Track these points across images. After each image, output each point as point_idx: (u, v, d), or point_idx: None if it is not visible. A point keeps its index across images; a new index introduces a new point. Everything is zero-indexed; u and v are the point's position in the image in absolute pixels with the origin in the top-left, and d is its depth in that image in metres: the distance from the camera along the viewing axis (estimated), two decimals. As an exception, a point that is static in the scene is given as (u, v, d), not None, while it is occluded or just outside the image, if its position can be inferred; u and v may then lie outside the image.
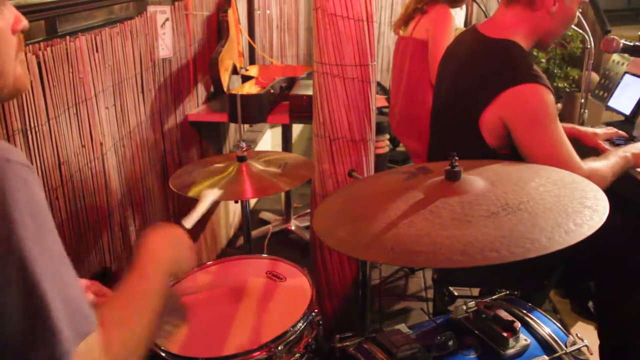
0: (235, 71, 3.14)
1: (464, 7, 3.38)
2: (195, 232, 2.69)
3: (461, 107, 1.71)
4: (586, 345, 1.25)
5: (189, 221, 1.28)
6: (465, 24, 3.57)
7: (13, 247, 0.69)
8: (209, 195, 1.39)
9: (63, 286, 0.73)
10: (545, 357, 1.23)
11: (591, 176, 1.59)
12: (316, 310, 1.40)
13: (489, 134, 1.64)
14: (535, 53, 3.85)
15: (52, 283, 0.71)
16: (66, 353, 0.71)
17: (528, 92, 1.58)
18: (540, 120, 1.59)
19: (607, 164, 1.69)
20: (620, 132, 2.06)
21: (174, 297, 1.46)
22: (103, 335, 0.79)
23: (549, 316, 1.37)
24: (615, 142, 2.01)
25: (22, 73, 0.84)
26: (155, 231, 1.09)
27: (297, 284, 1.50)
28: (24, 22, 0.84)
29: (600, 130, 2.05)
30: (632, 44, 2.11)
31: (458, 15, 3.33)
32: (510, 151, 1.65)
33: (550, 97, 1.59)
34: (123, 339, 0.83)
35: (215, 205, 2.98)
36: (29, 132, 1.54)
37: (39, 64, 1.55)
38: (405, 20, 2.79)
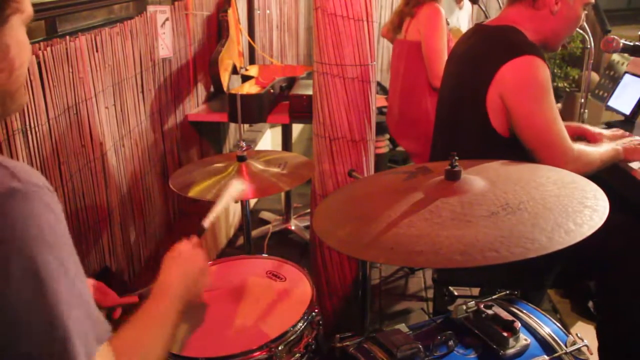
0: (235, 71, 3.14)
1: (467, 7, 3.37)
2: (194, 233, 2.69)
3: (467, 94, 1.72)
4: (586, 345, 1.25)
5: (208, 220, 1.31)
6: (469, 25, 3.56)
7: (38, 269, 0.70)
8: (230, 191, 1.40)
9: (79, 305, 0.75)
10: (545, 357, 1.23)
11: (580, 158, 1.62)
12: (316, 310, 1.40)
13: (494, 116, 1.65)
14: (540, 48, 3.84)
15: (68, 303, 0.73)
16: None
17: (523, 63, 1.59)
18: (532, 91, 1.60)
19: (597, 150, 1.70)
20: (627, 133, 2.06)
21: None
22: (118, 354, 0.80)
23: (549, 316, 1.37)
24: None
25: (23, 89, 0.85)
26: (175, 256, 1.14)
27: (297, 284, 1.50)
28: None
29: (607, 131, 2.05)
30: (632, 44, 2.11)
31: (461, 16, 3.32)
32: (511, 134, 1.66)
33: (545, 71, 1.60)
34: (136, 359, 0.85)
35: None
36: (29, 132, 1.54)
37: (39, 64, 1.55)
38: (395, 24, 2.80)
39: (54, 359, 0.71)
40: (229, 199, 1.39)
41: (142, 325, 0.93)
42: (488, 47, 1.70)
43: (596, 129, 2.05)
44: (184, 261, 1.14)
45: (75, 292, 0.75)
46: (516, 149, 1.64)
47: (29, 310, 0.69)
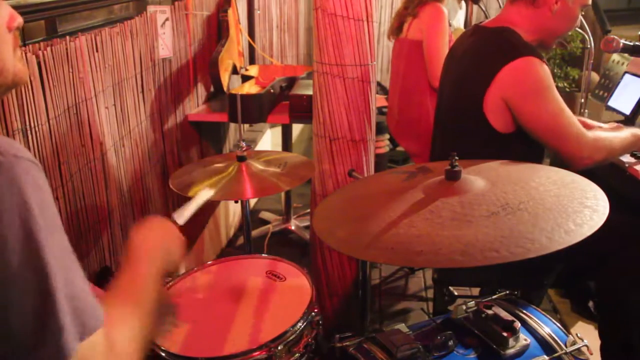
0: (235, 71, 3.14)
1: (463, 6, 3.38)
2: (195, 234, 2.69)
3: (465, 95, 1.73)
4: (586, 345, 1.25)
5: (181, 217, 1.28)
6: (465, 25, 3.57)
7: (30, 239, 0.69)
8: (203, 194, 1.39)
9: (70, 282, 0.74)
10: (545, 357, 1.23)
11: (597, 143, 1.63)
12: (316, 310, 1.40)
13: (494, 117, 1.66)
14: (536, 48, 3.85)
15: (60, 279, 0.72)
16: (70, 350, 0.72)
17: (523, 65, 1.61)
18: (538, 92, 1.62)
19: (617, 135, 1.71)
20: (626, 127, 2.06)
21: (166, 297, 1.46)
22: (105, 334, 0.79)
23: (549, 316, 1.37)
24: None
25: (21, 68, 0.84)
26: (145, 226, 1.10)
27: (297, 284, 1.50)
28: (19, 19, 0.84)
29: (606, 126, 2.05)
30: (632, 44, 2.11)
31: (457, 15, 3.33)
32: (516, 131, 1.66)
33: (544, 68, 1.62)
34: (125, 336, 0.83)
35: (215, 205, 2.98)
36: (29, 132, 1.54)
37: (39, 64, 1.55)
38: (397, 25, 2.80)
39: (43, 336, 0.70)
40: (200, 201, 1.36)
41: (122, 294, 0.91)
42: (486, 49, 1.71)
43: (595, 123, 2.05)
44: (156, 229, 1.10)
45: (67, 270, 0.74)
46: (515, 145, 1.65)
47: (24, 284, 0.68)
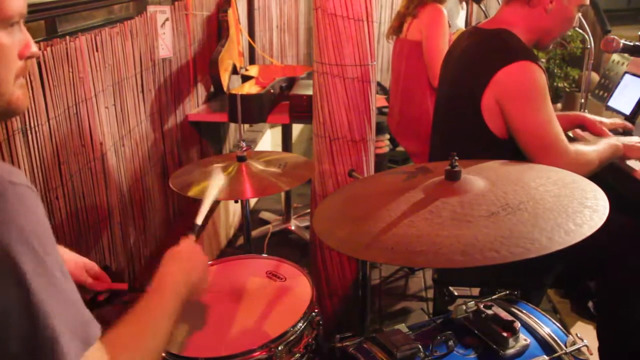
0: (235, 71, 3.14)
1: (464, 6, 3.38)
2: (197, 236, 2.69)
3: (463, 97, 1.73)
4: (586, 345, 1.25)
5: (200, 217, 1.30)
6: (466, 25, 3.57)
7: (14, 273, 0.69)
8: (214, 184, 1.41)
9: (65, 304, 0.74)
10: (545, 357, 1.23)
11: (577, 158, 1.62)
12: (316, 310, 1.40)
13: (490, 120, 1.66)
14: (535, 53, 3.85)
15: (54, 303, 0.72)
16: None
17: (519, 69, 1.61)
18: (529, 96, 1.61)
19: (595, 149, 1.70)
20: (627, 123, 2.06)
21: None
22: (113, 355, 0.79)
23: (548, 316, 1.37)
24: (620, 134, 2.01)
25: (20, 95, 0.83)
26: (174, 253, 1.12)
27: (297, 284, 1.50)
28: (33, 49, 0.83)
29: (608, 120, 2.05)
30: (632, 44, 2.11)
31: (459, 16, 3.33)
32: (510, 137, 1.66)
33: (541, 75, 1.61)
34: (131, 358, 0.84)
35: (215, 205, 2.98)
36: (29, 132, 1.54)
37: (39, 64, 1.56)
38: (397, 25, 2.80)
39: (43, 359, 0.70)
40: (215, 191, 1.39)
41: (138, 321, 0.92)
42: (484, 51, 1.71)
43: (596, 118, 2.05)
44: (184, 258, 1.13)
45: (61, 291, 0.74)
46: (513, 150, 1.65)
47: (14, 311, 0.68)
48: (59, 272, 0.75)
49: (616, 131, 2.02)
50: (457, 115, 1.78)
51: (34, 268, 0.70)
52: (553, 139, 1.61)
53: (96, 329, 0.78)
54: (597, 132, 1.99)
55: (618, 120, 2.07)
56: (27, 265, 0.69)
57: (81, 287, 1.23)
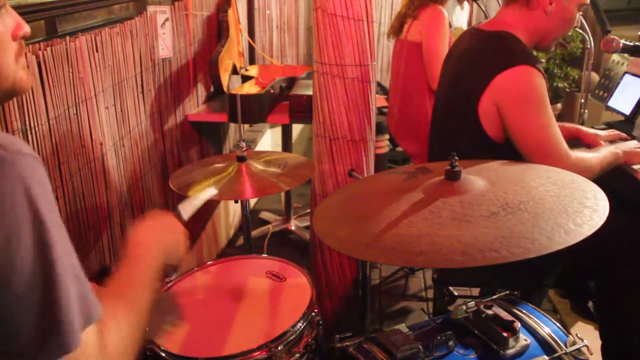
0: (235, 71, 3.14)
1: (466, 7, 3.37)
2: (195, 232, 2.69)
3: (461, 100, 1.73)
4: (586, 345, 1.25)
5: (186, 212, 1.29)
6: (468, 25, 3.56)
7: (41, 236, 0.70)
8: (207, 192, 1.40)
9: (74, 275, 0.74)
10: (545, 357, 1.23)
11: (578, 165, 1.61)
12: (316, 310, 1.40)
13: (488, 123, 1.65)
14: (535, 53, 3.85)
15: (66, 270, 0.72)
16: (75, 342, 0.72)
17: (519, 73, 1.60)
18: (529, 101, 1.61)
19: (596, 156, 1.70)
20: (622, 134, 2.05)
21: (169, 297, 1.46)
22: (99, 329, 0.79)
23: (549, 316, 1.37)
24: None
25: (24, 76, 0.84)
26: (146, 221, 1.09)
27: (297, 284, 1.50)
28: (26, 29, 0.84)
29: (603, 132, 2.04)
30: (632, 44, 2.11)
31: (461, 16, 3.33)
32: (507, 141, 1.66)
33: (541, 81, 1.61)
34: (118, 335, 0.83)
35: (215, 205, 2.98)
36: (29, 132, 1.54)
37: (39, 64, 1.55)
38: (398, 25, 2.80)
39: (51, 328, 0.70)
40: (202, 198, 1.37)
41: (117, 293, 0.90)
42: (483, 54, 1.70)
43: (591, 130, 2.05)
44: (154, 224, 1.10)
45: (69, 263, 0.74)
46: (510, 154, 1.64)
47: (26, 277, 0.69)
48: (65, 242, 0.75)
49: (612, 143, 2.02)
50: (454, 117, 1.78)
51: (53, 232, 0.71)
52: (553, 143, 1.60)
53: (99, 307, 0.78)
54: (594, 145, 1.99)
55: (614, 133, 2.07)
56: (50, 230, 0.70)
57: None
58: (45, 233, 0.70)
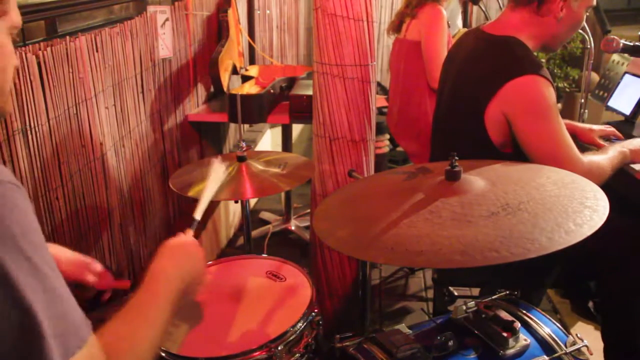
0: (235, 71, 3.14)
1: (458, 8, 3.37)
2: (195, 232, 2.69)
3: (465, 105, 1.71)
4: (586, 345, 1.24)
5: (199, 211, 1.29)
6: (465, 25, 3.56)
7: (6, 270, 0.67)
8: (215, 177, 1.39)
9: (53, 303, 0.72)
10: (545, 357, 1.23)
11: (591, 169, 1.60)
12: (316, 310, 1.40)
13: (493, 131, 1.64)
14: (535, 53, 3.85)
15: (41, 302, 0.70)
16: None
17: (528, 83, 1.58)
18: (539, 111, 1.59)
19: (607, 157, 1.69)
20: (617, 132, 2.05)
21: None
22: (109, 350, 0.79)
23: (548, 316, 1.37)
24: (612, 141, 2.01)
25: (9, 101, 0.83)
26: (169, 247, 1.10)
27: (297, 284, 1.50)
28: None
29: (596, 127, 2.04)
30: (632, 44, 2.11)
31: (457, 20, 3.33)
32: (514, 150, 1.65)
33: (550, 90, 1.59)
34: (129, 353, 0.83)
35: (215, 205, 2.98)
36: (29, 132, 1.54)
37: (39, 64, 1.56)
38: (397, 24, 2.80)
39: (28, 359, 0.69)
40: (215, 184, 1.38)
41: (132, 317, 0.90)
42: (491, 58, 1.67)
43: (585, 126, 2.05)
44: (179, 251, 1.10)
45: (50, 289, 0.72)
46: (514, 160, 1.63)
47: (0, 312, 0.67)
48: (49, 269, 0.73)
49: (606, 138, 2.02)
50: (459, 124, 1.76)
51: (19, 266, 0.69)
52: (565, 151, 1.59)
53: (87, 328, 0.76)
54: (588, 141, 1.99)
55: (608, 128, 2.07)
56: (11, 264, 0.68)
57: (82, 286, 1.22)
58: (8, 268, 0.68)
